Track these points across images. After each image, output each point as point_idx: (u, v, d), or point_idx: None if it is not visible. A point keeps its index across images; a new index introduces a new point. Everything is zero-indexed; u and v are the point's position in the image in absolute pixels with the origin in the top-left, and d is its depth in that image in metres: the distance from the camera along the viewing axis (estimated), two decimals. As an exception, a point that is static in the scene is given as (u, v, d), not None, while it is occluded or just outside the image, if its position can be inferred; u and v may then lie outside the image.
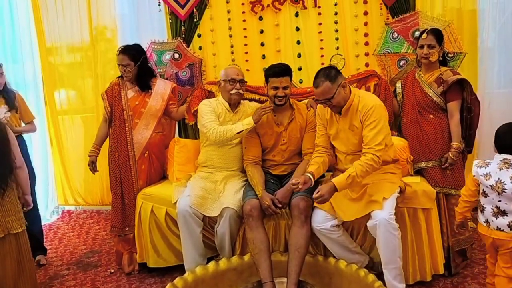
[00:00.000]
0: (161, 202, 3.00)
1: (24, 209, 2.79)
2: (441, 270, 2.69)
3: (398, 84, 3.13)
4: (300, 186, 2.49)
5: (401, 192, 2.57)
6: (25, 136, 3.57)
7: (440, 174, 2.83)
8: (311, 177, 2.56)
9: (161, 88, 3.33)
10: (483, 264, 2.91)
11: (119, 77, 3.31)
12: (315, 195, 2.45)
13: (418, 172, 2.95)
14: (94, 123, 4.43)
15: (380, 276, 2.47)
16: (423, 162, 2.90)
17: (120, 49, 3.20)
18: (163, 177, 3.42)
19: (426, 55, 2.84)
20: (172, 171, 3.24)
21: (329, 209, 2.58)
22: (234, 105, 3.09)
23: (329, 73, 2.55)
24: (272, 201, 2.66)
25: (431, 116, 2.89)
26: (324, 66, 3.57)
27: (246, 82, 3.13)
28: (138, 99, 3.22)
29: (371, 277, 2.42)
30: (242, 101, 3.15)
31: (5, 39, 4.51)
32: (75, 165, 4.70)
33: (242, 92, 3.05)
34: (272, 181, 2.91)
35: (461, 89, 2.85)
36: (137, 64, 3.20)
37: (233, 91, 3.00)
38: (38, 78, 4.61)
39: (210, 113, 2.99)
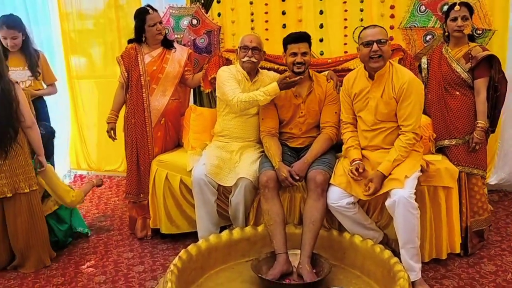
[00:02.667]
0: (176, 169, 2.98)
1: (38, 170, 2.81)
2: (458, 249, 2.65)
3: (424, 60, 3.03)
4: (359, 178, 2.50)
5: (423, 171, 2.51)
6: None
7: (463, 153, 2.77)
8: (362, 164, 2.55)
9: (178, 53, 3.27)
10: (500, 246, 2.87)
11: (131, 41, 3.22)
12: (368, 192, 2.40)
13: (440, 150, 2.89)
14: (109, 89, 4.40)
15: (394, 253, 2.44)
16: (446, 140, 2.83)
17: (151, 7, 3.13)
18: (178, 145, 3.39)
19: (460, 27, 2.73)
20: (187, 139, 3.20)
21: (346, 186, 2.52)
22: (251, 74, 3.00)
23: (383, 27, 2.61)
24: (289, 173, 2.61)
25: (457, 93, 2.80)
26: (347, 37, 3.55)
27: (263, 51, 2.99)
28: (156, 64, 3.16)
29: (387, 253, 2.38)
30: (260, 70, 3.07)
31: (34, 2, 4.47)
32: (89, 130, 4.70)
33: (254, 60, 2.91)
34: (289, 153, 2.85)
35: (489, 66, 2.75)
36: None
37: (245, 59, 2.91)
38: (59, 43, 4.57)
39: (231, 79, 2.91)
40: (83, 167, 4.79)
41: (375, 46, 2.45)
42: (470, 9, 2.78)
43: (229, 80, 2.90)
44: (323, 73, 3.06)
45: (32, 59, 3.40)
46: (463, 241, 2.73)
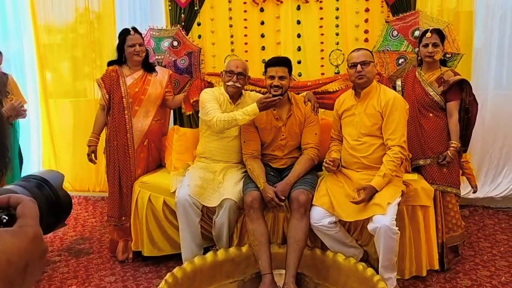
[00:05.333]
0: (159, 191, 2.98)
1: None
2: (436, 266, 2.75)
3: (398, 82, 3.17)
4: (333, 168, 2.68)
5: (403, 195, 2.62)
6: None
7: (437, 172, 2.90)
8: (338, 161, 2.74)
9: (159, 75, 3.30)
10: (474, 261, 3.00)
11: (111, 63, 3.22)
12: (355, 199, 2.47)
13: (415, 169, 3.01)
14: (84, 108, 4.40)
15: (375, 269, 2.51)
16: (421, 160, 2.96)
17: (133, 28, 3.15)
18: (160, 165, 3.39)
19: (430, 54, 2.88)
20: (170, 159, 3.21)
21: (328, 207, 2.59)
22: (234, 97, 3.06)
23: (367, 50, 2.82)
24: (275, 194, 2.67)
25: (431, 114, 2.95)
26: (323, 60, 3.68)
27: (248, 76, 3.05)
28: (138, 86, 3.17)
29: (370, 271, 2.45)
30: (243, 92, 3.13)
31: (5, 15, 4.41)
32: (63, 150, 4.62)
33: (239, 85, 2.96)
34: (272, 174, 2.91)
35: (461, 89, 2.91)
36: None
37: (229, 83, 2.96)
38: (27, 59, 4.50)
39: (212, 101, 2.95)
40: (58, 188, 4.69)
41: (359, 67, 2.63)
42: (441, 36, 2.94)
43: (210, 101, 2.94)
44: (301, 94, 3.14)
45: (2, 79, 3.33)
46: (440, 257, 2.84)
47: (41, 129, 4.60)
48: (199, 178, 2.87)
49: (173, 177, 3.00)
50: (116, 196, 3.14)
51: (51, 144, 4.60)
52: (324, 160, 2.69)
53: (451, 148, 2.86)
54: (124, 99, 3.12)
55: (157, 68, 3.34)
